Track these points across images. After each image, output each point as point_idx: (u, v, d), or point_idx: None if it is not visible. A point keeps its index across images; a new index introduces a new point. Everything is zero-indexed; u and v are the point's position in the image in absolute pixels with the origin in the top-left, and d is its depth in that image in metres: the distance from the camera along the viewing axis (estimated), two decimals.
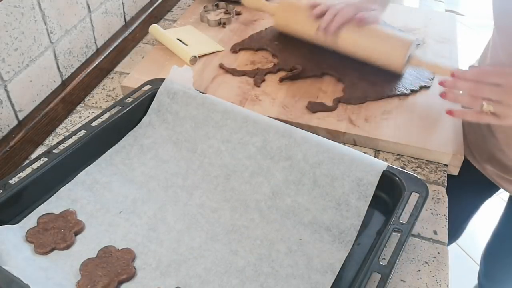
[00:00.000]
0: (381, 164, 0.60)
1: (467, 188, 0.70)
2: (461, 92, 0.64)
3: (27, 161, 0.68)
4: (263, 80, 0.81)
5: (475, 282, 1.11)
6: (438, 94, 0.65)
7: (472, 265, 1.55)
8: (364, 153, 0.64)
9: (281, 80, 0.81)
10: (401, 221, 0.55)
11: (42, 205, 0.58)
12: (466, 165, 0.73)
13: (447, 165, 0.70)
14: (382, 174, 0.59)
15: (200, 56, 0.86)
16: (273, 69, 0.84)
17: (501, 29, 0.72)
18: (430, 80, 0.82)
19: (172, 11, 1.08)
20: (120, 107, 0.69)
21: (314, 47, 0.88)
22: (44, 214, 0.57)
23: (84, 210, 0.59)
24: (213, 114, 0.68)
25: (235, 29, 0.96)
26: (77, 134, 0.65)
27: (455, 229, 0.62)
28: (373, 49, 0.81)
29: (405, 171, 0.61)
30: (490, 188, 0.87)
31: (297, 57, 0.86)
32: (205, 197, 0.62)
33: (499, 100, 0.57)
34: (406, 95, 0.79)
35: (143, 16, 0.97)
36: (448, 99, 0.63)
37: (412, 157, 0.71)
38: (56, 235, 0.55)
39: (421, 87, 0.80)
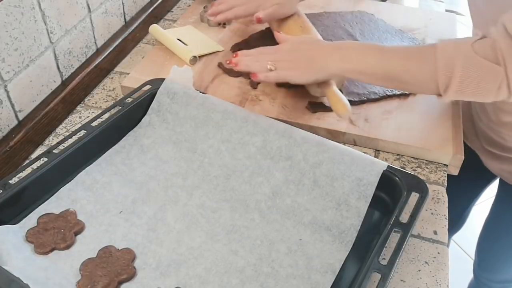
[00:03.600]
0: (381, 164, 0.60)
1: (464, 175, 0.72)
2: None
3: (27, 161, 0.68)
4: (259, 82, 0.81)
5: (470, 276, 1.12)
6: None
7: (467, 260, 1.56)
8: (364, 153, 0.64)
9: (278, 85, 0.81)
10: (401, 221, 0.55)
11: (42, 205, 0.58)
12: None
13: (447, 165, 0.70)
14: (382, 174, 0.59)
15: (200, 56, 0.86)
16: None
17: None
18: None
19: (172, 11, 1.08)
20: (120, 107, 0.69)
21: None
22: (44, 214, 0.57)
23: (84, 210, 0.59)
24: (213, 114, 0.68)
25: (235, 29, 0.96)
26: (77, 134, 0.65)
27: (456, 218, 0.63)
28: None
29: (405, 171, 0.61)
30: (486, 175, 0.88)
31: None
32: (205, 197, 0.62)
33: (276, 59, 0.69)
34: (406, 95, 0.79)
35: (143, 16, 0.97)
36: (240, 68, 0.72)
37: (412, 157, 0.71)
38: (56, 235, 0.55)
39: None
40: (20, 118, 0.70)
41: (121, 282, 0.51)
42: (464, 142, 0.73)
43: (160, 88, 0.71)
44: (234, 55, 0.73)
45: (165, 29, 0.92)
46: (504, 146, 0.81)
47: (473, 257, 1.07)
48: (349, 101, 0.77)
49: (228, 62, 0.74)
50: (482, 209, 1.04)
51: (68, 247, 0.54)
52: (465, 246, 1.64)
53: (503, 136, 0.80)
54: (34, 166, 0.60)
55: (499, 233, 0.96)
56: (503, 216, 0.94)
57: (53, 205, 0.58)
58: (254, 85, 0.80)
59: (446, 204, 0.65)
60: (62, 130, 0.75)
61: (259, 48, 0.74)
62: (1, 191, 0.56)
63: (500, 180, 0.91)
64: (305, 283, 0.52)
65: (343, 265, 0.54)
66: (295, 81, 0.70)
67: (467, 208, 1.09)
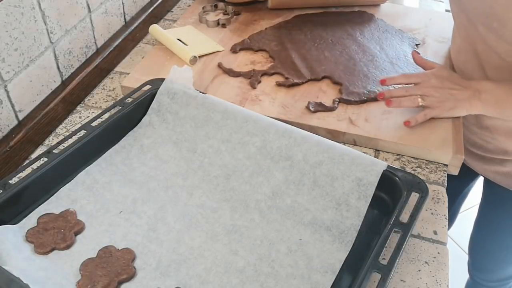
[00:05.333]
0: (381, 164, 0.60)
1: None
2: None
3: (27, 161, 0.68)
4: (259, 82, 0.81)
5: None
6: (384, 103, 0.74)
7: (465, 258, 1.56)
8: (364, 153, 0.64)
9: (278, 84, 0.81)
10: (401, 221, 0.55)
11: (42, 205, 0.58)
12: None
13: (447, 165, 0.70)
14: (382, 174, 0.59)
15: (200, 56, 0.86)
16: (269, 71, 0.83)
17: (454, 15, 0.79)
18: None
19: (172, 11, 1.08)
20: (120, 107, 0.69)
21: (311, 48, 0.88)
22: (44, 214, 0.57)
23: (84, 210, 0.59)
24: (213, 114, 0.68)
25: (235, 29, 0.96)
26: (77, 134, 0.65)
27: None
28: None
29: (405, 171, 0.61)
30: (469, 173, 0.88)
31: (293, 59, 0.86)
32: (205, 197, 0.62)
33: (425, 94, 0.72)
34: None
35: (143, 16, 0.97)
36: (393, 106, 0.73)
37: (412, 157, 0.71)
38: (56, 235, 0.55)
39: None
40: (20, 118, 0.70)
41: (121, 282, 0.51)
42: None
43: (160, 88, 0.71)
44: (381, 82, 0.76)
45: (165, 29, 0.92)
46: (486, 148, 0.81)
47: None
48: (349, 101, 0.77)
49: (380, 97, 0.75)
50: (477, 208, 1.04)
51: (68, 247, 0.54)
52: (465, 245, 1.63)
53: (485, 138, 0.80)
54: (34, 166, 0.60)
55: (489, 233, 0.95)
56: (491, 215, 0.93)
57: (53, 205, 0.58)
58: (254, 85, 0.80)
59: (446, 204, 0.65)
60: (62, 130, 0.75)
61: (403, 75, 0.77)
62: (1, 191, 0.56)
63: (485, 180, 0.90)
64: (305, 283, 0.52)
65: (343, 265, 0.54)
66: (441, 117, 0.74)
67: (451, 207, 1.08)
